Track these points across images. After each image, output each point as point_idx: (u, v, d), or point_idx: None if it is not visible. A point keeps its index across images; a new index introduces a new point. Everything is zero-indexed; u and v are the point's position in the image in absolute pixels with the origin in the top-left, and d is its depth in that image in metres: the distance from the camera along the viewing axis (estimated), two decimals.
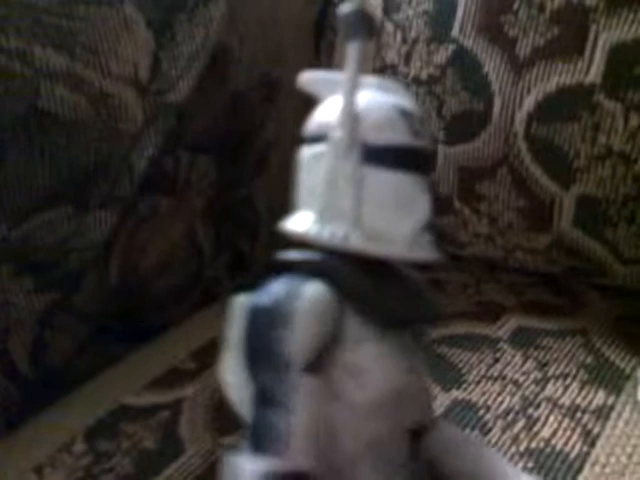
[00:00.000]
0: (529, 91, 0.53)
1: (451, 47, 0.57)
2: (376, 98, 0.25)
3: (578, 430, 0.43)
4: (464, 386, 0.47)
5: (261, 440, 0.22)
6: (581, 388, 0.46)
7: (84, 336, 0.52)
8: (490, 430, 0.43)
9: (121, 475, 0.40)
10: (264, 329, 0.23)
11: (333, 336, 0.24)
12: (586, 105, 0.51)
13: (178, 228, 0.58)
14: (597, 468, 0.40)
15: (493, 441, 0.41)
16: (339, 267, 0.24)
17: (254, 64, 0.63)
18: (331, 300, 0.24)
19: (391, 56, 0.61)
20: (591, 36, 0.51)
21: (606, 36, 0.50)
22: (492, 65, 0.55)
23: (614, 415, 0.44)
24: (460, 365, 0.49)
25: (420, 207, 0.25)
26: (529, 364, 0.49)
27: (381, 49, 0.61)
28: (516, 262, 0.60)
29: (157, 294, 0.56)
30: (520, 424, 0.43)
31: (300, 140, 0.27)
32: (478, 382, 0.47)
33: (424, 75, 0.58)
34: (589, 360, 0.49)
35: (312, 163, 0.26)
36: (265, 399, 0.23)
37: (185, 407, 0.46)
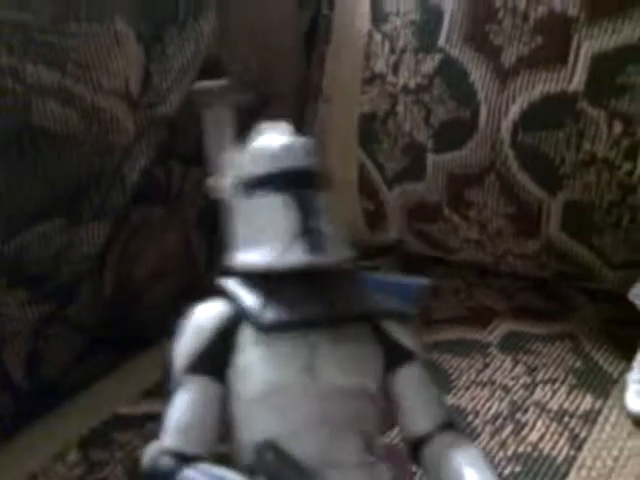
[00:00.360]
0: (514, 99, 0.54)
1: (438, 56, 0.57)
2: (248, 145, 0.30)
3: (565, 434, 0.43)
4: (454, 391, 0.48)
5: (159, 430, 0.28)
6: (569, 392, 0.47)
7: (79, 347, 0.52)
8: (479, 435, 0.43)
9: None
10: (171, 342, 0.29)
11: (227, 343, 0.28)
12: (570, 113, 0.52)
13: (171, 238, 0.59)
14: (583, 472, 0.40)
15: (481, 446, 0.42)
16: (231, 286, 0.29)
17: (245, 76, 0.64)
18: (215, 315, 0.28)
19: (380, 66, 0.61)
20: (574, 45, 0.51)
21: (588, 45, 0.51)
22: (478, 74, 0.55)
23: (601, 419, 0.44)
24: (450, 371, 0.50)
25: (286, 222, 0.28)
26: (518, 369, 0.50)
27: (370, 59, 0.62)
28: (506, 267, 0.61)
29: (151, 304, 0.57)
30: (508, 429, 0.44)
31: None
32: (468, 387, 0.48)
33: (412, 84, 0.59)
34: (578, 364, 0.50)
35: (226, 209, 0.31)
36: (165, 399, 0.28)
37: None
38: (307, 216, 0.28)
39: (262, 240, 0.28)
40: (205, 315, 0.29)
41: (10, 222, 0.47)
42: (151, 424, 0.45)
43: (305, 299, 0.28)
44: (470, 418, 0.45)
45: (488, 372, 0.49)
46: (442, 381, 0.48)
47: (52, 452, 0.43)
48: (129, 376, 0.50)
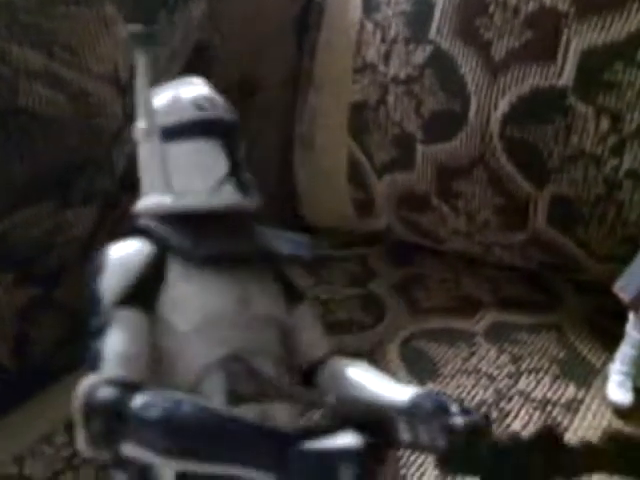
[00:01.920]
0: (504, 93, 0.54)
1: (429, 48, 0.58)
2: (165, 93, 0.31)
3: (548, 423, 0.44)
4: (439, 379, 0.48)
5: (87, 364, 0.28)
6: (553, 382, 0.48)
7: (66, 330, 0.52)
8: None
9: (101, 466, 0.40)
10: (90, 279, 0.30)
11: (154, 278, 0.29)
12: (559, 107, 0.52)
13: None
14: None
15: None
16: (155, 226, 0.30)
17: (235, 61, 0.63)
18: (140, 251, 0.29)
19: (371, 55, 0.61)
20: (563, 40, 0.52)
21: (577, 41, 0.51)
22: (468, 67, 0.56)
23: (583, 408, 0.45)
24: (437, 359, 0.50)
25: (216, 164, 0.30)
26: (503, 358, 0.50)
27: (361, 48, 0.62)
28: (494, 257, 0.61)
29: None
30: (493, 417, 0.44)
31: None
32: (453, 376, 0.48)
33: (403, 75, 0.59)
34: (562, 355, 0.51)
35: (138, 156, 0.32)
36: (89, 335, 0.29)
37: None
38: (234, 162, 0.30)
39: (191, 182, 0.30)
40: (130, 251, 0.30)
41: None
42: None
43: (229, 237, 0.30)
44: None
45: (474, 361, 0.50)
46: (428, 368, 0.49)
47: (39, 434, 0.43)
48: None
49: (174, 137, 0.30)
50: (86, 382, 0.27)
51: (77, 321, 0.52)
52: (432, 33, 0.57)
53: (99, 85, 0.51)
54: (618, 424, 0.43)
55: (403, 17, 0.59)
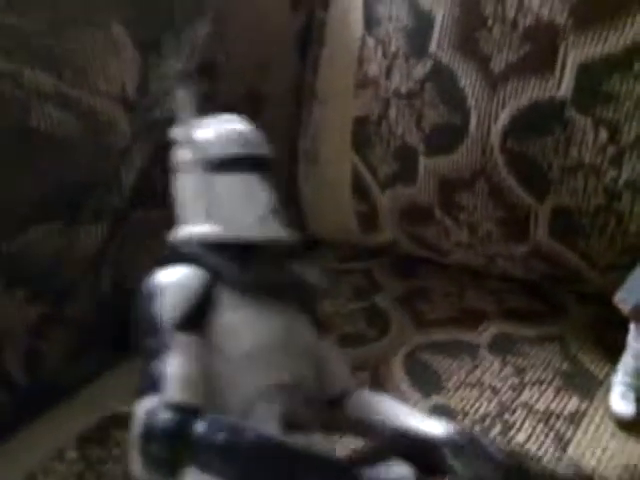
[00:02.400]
0: (504, 105, 0.55)
1: (429, 62, 0.58)
2: (207, 126, 0.33)
3: (551, 435, 0.44)
4: (444, 392, 0.49)
5: (144, 387, 0.29)
6: (556, 394, 0.48)
7: (77, 346, 0.53)
8: None
9: None
10: (144, 302, 0.31)
11: (207, 304, 0.30)
12: (558, 119, 0.53)
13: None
14: None
15: None
16: (206, 254, 0.31)
17: (240, 78, 0.64)
18: (194, 277, 0.31)
19: (373, 70, 0.62)
20: (561, 53, 0.52)
21: (575, 54, 0.52)
22: (468, 80, 0.56)
23: (586, 420, 0.45)
24: (441, 371, 0.51)
25: (261, 198, 0.32)
26: (507, 370, 0.51)
27: (363, 63, 0.63)
28: (497, 269, 0.62)
29: None
30: (496, 429, 0.45)
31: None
32: (457, 388, 0.49)
33: (404, 89, 0.60)
34: (565, 366, 0.51)
35: (181, 185, 0.34)
36: (148, 357, 0.29)
37: None
38: (273, 196, 0.32)
39: (237, 214, 0.31)
40: (186, 276, 0.31)
41: (9, 223, 0.48)
42: None
43: (271, 267, 0.32)
44: (459, 418, 0.46)
45: (477, 373, 0.50)
46: (432, 381, 0.49)
47: (51, 450, 0.44)
48: (127, 375, 0.51)
49: (220, 169, 0.32)
50: (146, 405, 0.27)
51: (87, 337, 0.54)
52: (432, 47, 0.58)
53: (107, 104, 0.52)
54: (621, 435, 0.44)
55: (404, 32, 0.60)
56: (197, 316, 0.30)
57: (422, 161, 0.60)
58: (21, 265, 0.49)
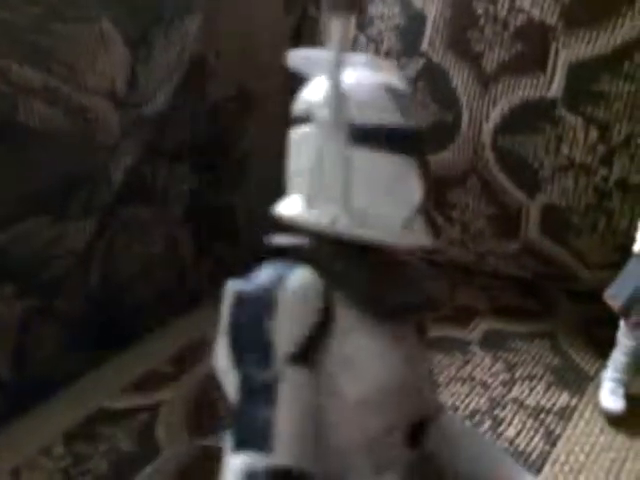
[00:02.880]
0: (495, 104, 0.55)
1: (421, 61, 0.58)
2: (364, 76, 0.24)
3: (541, 430, 0.44)
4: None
5: (244, 434, 0.21)
6: (546, 389, 0.48)
7: (65, 341, 0.52)
8: None
9: (99, 477, 0.41)
10: (248, 318, 0.22)
11: (323, 325, 0.22)
12: (549, 118, 0.53)
13: (158, 236, 0.59)
14: (557, 466, 0.41)
15: None
16: (327, 253, 0.23)
17: (231, 76, 0.64)
18: (318, 287, 0.22)
19: None
20: (552, 53, 0.52)
21: (565, 53, 0.52)
22: (460, 79, 0.56)
23: (576, 416, 0.45)
24: (432, 367, 0.51)
25: (412, 190, 0.24)
26: (498, 366, 0.51)
27: None
28: (488, 266, 0.62)
29: (138, 301, 0.57)
30: (486, 424, 0.45)
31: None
32: (448, 383, 0.49)
33: None
34: (555, 362, 0.51)
35: (300, 145, 0.25)
36: (249, 391, 0.22)
37: (162, 410, 0.47)
38: (424, 189, 0.24)
39: (377, 204, 0.23)
40: (306, 286, 0.22)
41: None
42: (138, 418, 0.46)
43: (401, 283, 0.24)
44: (450, 413, 0.46)
45: (468, 369, 0.50)
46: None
47: (37, 446, 0.44)
48: (114, 371, 0.51)
49: (365, 142, 0.23)
50: (246, 462, 0.21)
51: (75, 333, 0.53)
52: (424, 46, 0.58)
53: (96, 100, 0.52)
54: (611, 431, 0.44)
55: (396, 31, 0.60)
56: (314, 343, 0.22)
57: None
58: (9, 260, 0.48)
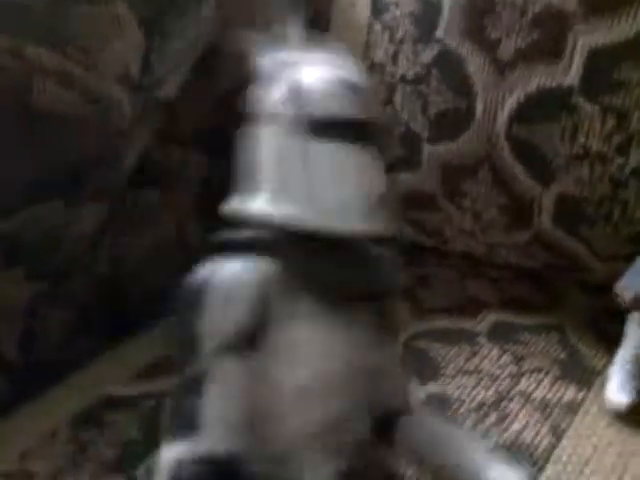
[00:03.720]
0: (511, 92, 0.54)
1: (436, 47, 0.58)
2: (321, 73, 0.25)
3: (547, 424, 0.44)
4: (441, 379, 0.48)
5: (175, 425, 0.22)
6: (553, 383, 0.48)
7: (72, 326, 0.53)
8: (463, 423, 0.44)
9: (104, 463, 0.41)
10: (179, 315, 0.23)
11: (260, 316, 0.22)
12: (565, 106, 0.52)
13: (167, 223, 0.60)
14: (563, 460, 0.41)
15: None
16: (288, 244, 0.23)
17: (245, 63, 0.64)
18: (249, 281, 0.23)
19: (379, 55, 0.62)
20: (570, 40, 0.52)
21: (584, 41, 0.51)
22: (475, 66, 0.56)
23: (582, 410, 0.45)
24: (439, 359, 0.51)
25: (372, 180, 0.24)
26: (505, 358, 0.51)
27: (370, 48, 0.63)
28: (498, 258, 0.61)
29: (145, 287, 0.57)
30: (492, 418, 0.45)
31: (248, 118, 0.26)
32: (454, 376, 0.49)
33: (410, 74, 0.59)
34: (563, 356, 0.51)
35: (259, 141, 0.25)
36: (183, 384, 0.23)
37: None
38: (377, 177, 0.24)
39: (326, 195, 0.23)
40: (241, 280, 0.23)
41: (8, 201, 0.48)
42: (144, 405, 0.46)
43: (354, 270, 0.25)
44: (455, 406, 0.46)
45: (476, 361, 0.50)
46: (430, 368, 0.49)
47: (44, 431, 0.44)
48: (121, 358, 0.51)
49: (324, 134, 0.23)
50: (176, 450, 0.22)
51: (83, 318, 0.54)
52: (440, 32, 0.57)
53: (110, 84, 0.52)
54: (617, 425, 0.44)
55: (411, 18, 0.59)
56: (249, 333, 0.22)
57: (426, 147, 0.59)
58: (20, 243, 0.49)
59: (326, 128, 0.24)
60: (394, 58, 0.60)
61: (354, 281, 0.25)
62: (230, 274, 0.23)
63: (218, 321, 0.23)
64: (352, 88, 0.25)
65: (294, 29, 0.26)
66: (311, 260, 0.23)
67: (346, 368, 0.24)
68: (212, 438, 0.22)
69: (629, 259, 0.46)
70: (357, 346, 0.24)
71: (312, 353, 0.23)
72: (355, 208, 0.24)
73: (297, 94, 0.24)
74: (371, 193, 0.24)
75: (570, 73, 0.52)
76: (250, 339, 0.23)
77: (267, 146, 0.25)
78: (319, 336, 0.23)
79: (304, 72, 0.25)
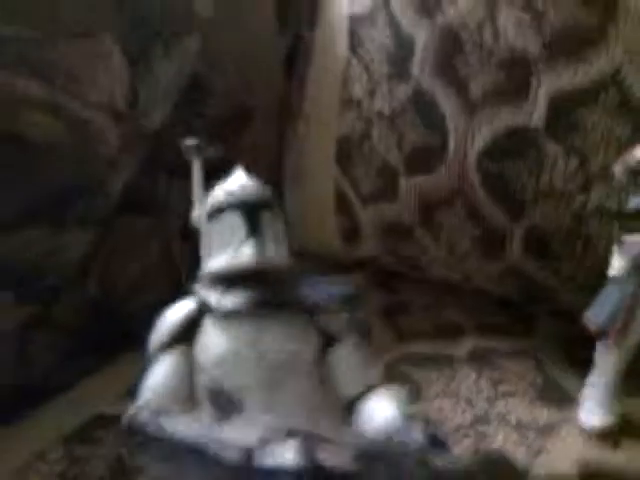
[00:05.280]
0: (480, 130, 0.57)
1: (411, 85, 0.60)
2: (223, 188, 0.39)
3: (524, 445, 0.46)
4: (422, 402, 0.50)
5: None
6: (529, 405, 0.50)
7: (63, 349, 0.53)
8: None
9: None
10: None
11: (192, 330, 0.37)
12: (532, 146, 0.54)
13: (154, 249, 0.60)
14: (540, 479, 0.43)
15: None
16: (199, 288, 0.38)
17: (228, 95, 0.66)
18: (182, 310, 0.38)
19: (357, 90, 0.64)
20: (534, 83, 0.54)
21: (547, 84, 0.53)
22: (447, 104, 0.58)
23: (557, 432, 0.47)
24: (419, 382, 0.52)
25: (237, 231, 0.37)
26: (483, 382, 0.52)
27: (347, 84, 0.65)
28: (473, 285, 0.63)
29: (134, 311, 0.58)
30: (471, 439, 0.46)
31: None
32: (434, 398, 0.50)
33: (386, 110, 0.61)
34: (538, 379, 0.53)
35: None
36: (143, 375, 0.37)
37: None
38: (253, 229, 0.37)
39: (222, 250, 0.37)
40: (175, 310, 0.38)
41: None
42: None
43: (254, 291, 0.36)
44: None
45: (454, 384, 0.52)
46: (412, 391, 0.51)
47: (35, 450, 0.44)
48: (112, 378, 0.51)
49: (212, 218, 0.38)
50: (128, 411, 0.36)
51: (74, 341, 0.54)
52: (414, 71, 0.59)
53: (96, 113, 0.53)
54: (590, 448, 0.45)
55: (386, 55, 0.61)
56: (180, 339, 0.37)
57: (402, 180, 0.62)
58: (7, 268, 0.49)
59: (211, 215, 0.39)
60: (371, 94, 0.62)
61: (259, 298, 0.36)
62: (175, 308, 0.38)
63: (160, 334, 0.38)
64: (238, 185, 0.39)
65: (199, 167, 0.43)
66: (223, 291, 0.37)
67: (247, 352, 0.36)
68: (145, 397, 0.36)
69: (596, 290, 0.48)
70: (264, 340, 0.36)
71: (219, 343, 0.36)
72: (235, 250, 0.37)
73: (201, 205, 0.41)
74: (237, 243, 0.37)
75: (535, 115, 0.54)
76: (180, 342, 0.37)
77: (200, 237, 0.39)
78: (226, 334, 0.36)
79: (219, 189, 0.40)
